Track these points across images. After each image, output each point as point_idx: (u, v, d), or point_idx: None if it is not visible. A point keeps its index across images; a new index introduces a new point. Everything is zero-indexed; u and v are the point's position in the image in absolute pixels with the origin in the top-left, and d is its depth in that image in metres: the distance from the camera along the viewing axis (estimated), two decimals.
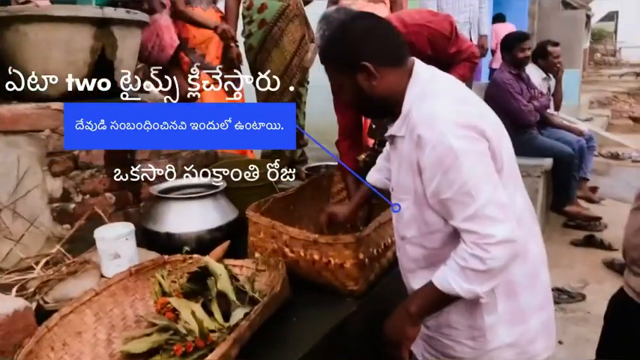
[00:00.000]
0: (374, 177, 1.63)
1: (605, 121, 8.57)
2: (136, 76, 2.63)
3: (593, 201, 4.36)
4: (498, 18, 7.11)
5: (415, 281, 1.29)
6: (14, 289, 1.44)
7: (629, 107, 10.30)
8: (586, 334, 2.64)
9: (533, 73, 4.09)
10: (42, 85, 1.87)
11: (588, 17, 11.50)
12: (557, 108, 4.38)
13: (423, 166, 1.11)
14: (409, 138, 1.14)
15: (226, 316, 1.34)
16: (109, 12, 1.87)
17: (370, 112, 1.29)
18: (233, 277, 1.43)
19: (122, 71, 2.05)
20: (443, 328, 1.28)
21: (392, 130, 1.22)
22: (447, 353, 1.30)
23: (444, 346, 1.30)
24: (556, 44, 4.18)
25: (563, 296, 3.01)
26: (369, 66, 1.14)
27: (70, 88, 1.92)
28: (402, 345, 1.21)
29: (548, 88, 4.21)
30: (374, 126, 2.21)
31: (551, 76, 4.29)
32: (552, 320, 1.33)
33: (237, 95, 3.22)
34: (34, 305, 1.38)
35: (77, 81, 1.91)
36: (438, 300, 1.16)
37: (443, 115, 1.08)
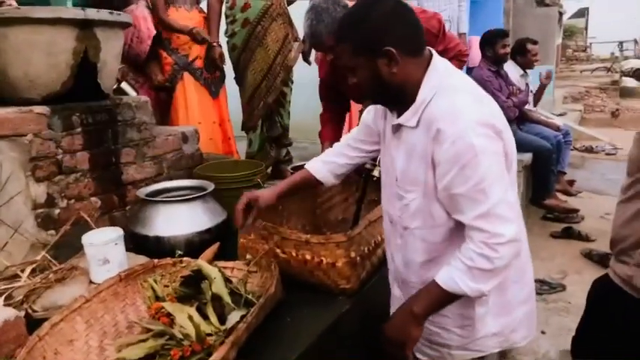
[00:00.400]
0: (317, 167, 1.56)
1: (579, 116, 8.76)
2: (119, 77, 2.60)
3: (571, 194, 4.46)
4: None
5: (411, 275, 1.30)
6: (1, 299, 1.40)
7: (601, 102, 10.56)
8: (568, 324, 2.70)
9: (512, 69, 4.17)
10: (24, 89, 1.83)
11: (561, 14, 11.72)
12: (535, 104, 4.47)
13: (438, 160, 1.10)
14: (424, 130, 1.13)
15: (221, 319, 1.33)
16: (92, 13, 1.83)
17: (381, 98, 1.24)
18: (226, 280, 1.41)
19: (105, 73, 2.02)
20: (433, 316, 1.28)
21: (400, 120, 1.19)
22: (434, 340, 1.33)
23: (431, 332, 1.32)
24: (535, 42, 4.26)
25: (544, 287, 3.08)
26: (394, 52, 1.10)
27: (52, 91, 1.88)
28: (407, 346, 1.19)
29: (526, 85, 4.28)
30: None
31: (528, 72, 4.37)
32: (534, 311, 1.38)
33: (220, 95, 3.22)
34: (22, 314, 1.35)
35: (60, 84, 1.88)
36: (443, 299, 1.16)
37: (465, 112, 1.08)
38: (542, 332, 2.64)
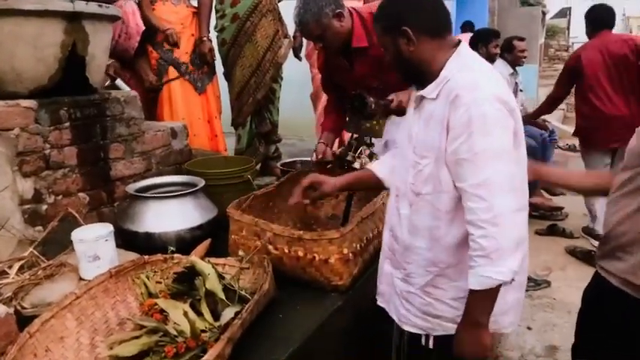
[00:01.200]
0: (377, 167, 1.62)
1: (561, 115, 8.89)
2: (112, 72, 2.57)
3: (555, 193, 4.53)
4: (468, 26, 7.20)
5: (416, 241, 1.34)
6: None
7: None
8: (553, 320, 2.76)
9: (502, 68, 4.20)
10: (10, 82, 1.79)
11: (544, 14, 11.87)
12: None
13: (452, 124, 1.18)
14: (443, 99, 1.22)
15: (214, 315, 1.33)
16: (81, 6, 1.80)
17: (406, 75, 1.36)
18: (220, 276, 1.41)
19: (94, 67, 1.99)
20: (427, 287, 1.34)
21: (423, 92, 1.29)
22: (426, 310, 1.36)
23: (423, 303, 1.36)
24: (522, 39, 4.30)
25: (529, 284, 3.12)
26: (409, 31, 1.23)
27: (40, 85, 1.84)
28: (486, 355, 1.24)
29: (516, 83, 4.32)
30: (347, 119, 2.23)
31: (518, 70, 4.41)
32: (522, 301, 1.43)
33: (207, 91, 3.18)
34: (12, 311, 1.33)
35: (47, 77, 1.84)
36: (491, 296, 1.19)
37: (483, 85, 1.18)
38: (528, 328, 2.68)
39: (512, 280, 1.17)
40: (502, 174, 1.14)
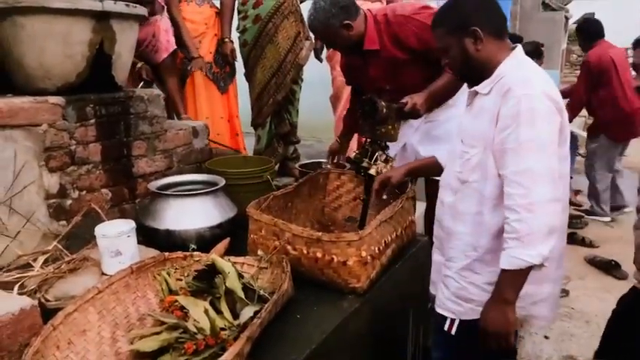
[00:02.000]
0: (439, 155, 1.74)
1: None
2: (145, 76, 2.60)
3: (575, 204, 4.46)
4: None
5: (459, 226, 1.43)
6: (16, 287, 1.41)
7: None
8: (571, 330, 2.72)
9: None
10: (39, 79, 1.83)
11: (567, 19, 11.69)
12: None
13: (501, 115, 1.27)
14: (496, 93, 1.31)
15: (233, 314, 1.34)
16: (109, 5, 1.83)
17: (467, 74, 1.43)
18: (239, 275, 1.42)
19: (119, 65, 2.02)
20: (464, 271, 1.42)
21: (476, 87, 1.38)
22: (460, 294, 1.43)
23: (458, 287, 1.44)
24: (542, 45, 4.27)
25: None
26: (479, 31, 1.32)
27: (67, 82, 1.88)
28: (509, 331, 1.30)
29: None
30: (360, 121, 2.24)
31: None
32: (557, 298, 1.49)
33: (229, 91, 3.22)
34: (36, 303, 1.35)
35: (75, 75, 1.88)
36: (522, 276, 1.26)
37: (535, 82, 1.27)
38: (546, 337, 2.65)
39: (542, 265, 1.22)
40: (542, 165, 1.22)
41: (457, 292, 1.44)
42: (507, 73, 1.31)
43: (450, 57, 1.40)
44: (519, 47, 1.38)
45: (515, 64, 1.33)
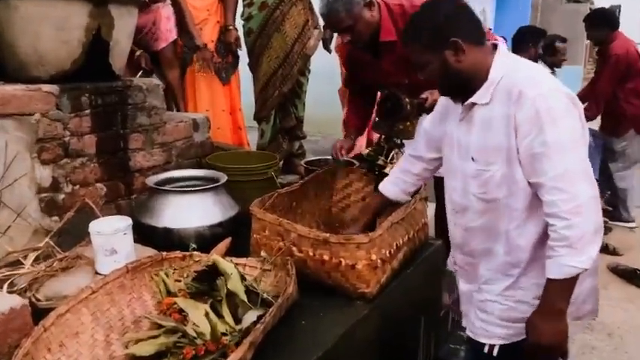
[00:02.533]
0: (387, 189, 1.79)
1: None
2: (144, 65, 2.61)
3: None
4: None
5: (498, 247, 1.41)
6: (5, 285, 1.41)
7: None
8: (592, 342, 2.70)
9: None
10: (32, 65, 1.83)
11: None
12: None
13: (520, 121, 1.25)
14: (501, 100, 1.29)
15: (235, 318, 1.34)
16: None
17: (452, 88, 1.41)
18: (242, 277, 1.42)
19: (117, 53, 2.02)
20: (507, 291, 1.41)
21: (473, 99, 1.34)
22: (507, 316, 1.42)
23: (503, 309, 1.42)
24: (563, 40, 4.24)
25: None
26: (459, 42, 1.28)
27: (62, 69, 1.88)
28: (564, 342, 1.31)
29: None
30: (377, 119, 2.23)
31: (557, 71, 4.34)
32: (597, 288, 1.50)
33: (231, 82, 3.21)
34: (27, 302, 1.35)
35: (70, 62, 1.88)
36: (571, 284, 1.26)
37: (545, 81, 1.27)
38: None
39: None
40: (577, 162, 1.22)
41: (503, 315, 1.43)
42: (506, 75, 1.30)
43: (428, 72, 1.36)
44: (501, 46, 1.36)
45: (508, 63, 1.32)
